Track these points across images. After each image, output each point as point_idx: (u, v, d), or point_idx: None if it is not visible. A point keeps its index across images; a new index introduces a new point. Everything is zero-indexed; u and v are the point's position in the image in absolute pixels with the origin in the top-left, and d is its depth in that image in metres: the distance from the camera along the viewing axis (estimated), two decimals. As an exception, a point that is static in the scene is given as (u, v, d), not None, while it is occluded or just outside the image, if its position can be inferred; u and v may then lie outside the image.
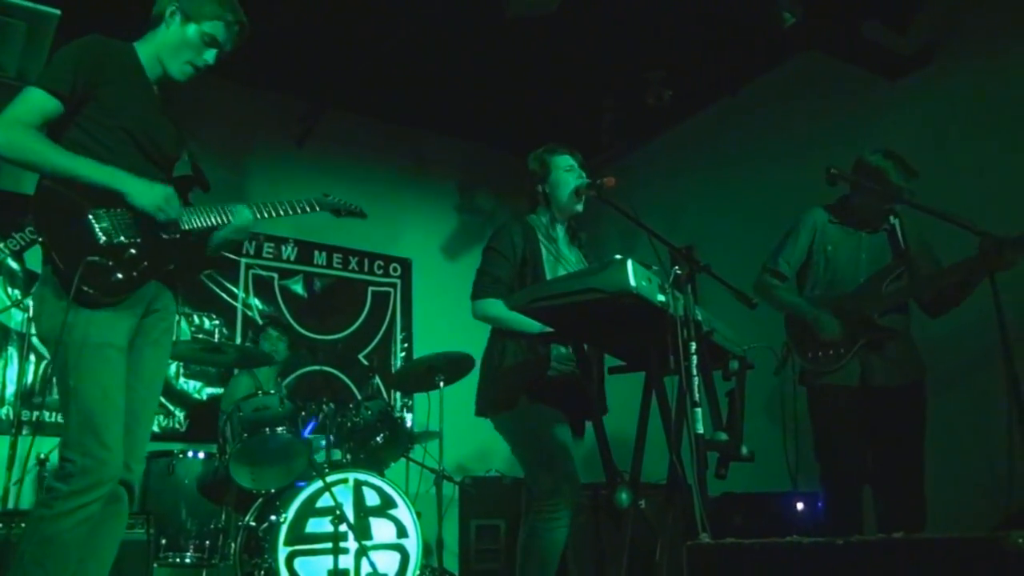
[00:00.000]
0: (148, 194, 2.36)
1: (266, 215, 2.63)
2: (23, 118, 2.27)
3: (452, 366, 4.57)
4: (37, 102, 2.30)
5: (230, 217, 2.55)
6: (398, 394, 6.15)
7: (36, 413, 4.79)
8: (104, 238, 2.29)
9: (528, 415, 3.02)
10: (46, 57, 3.96)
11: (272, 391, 4.28)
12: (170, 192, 2.42)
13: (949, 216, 3.11)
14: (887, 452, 3.45)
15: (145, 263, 2.36)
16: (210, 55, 2.53)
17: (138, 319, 2.41)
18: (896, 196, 3.43)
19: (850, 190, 3.64)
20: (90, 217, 2.29)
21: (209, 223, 2.52)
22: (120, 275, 2.30)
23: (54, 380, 2.33)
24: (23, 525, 2.94)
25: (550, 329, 2.82)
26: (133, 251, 2.33)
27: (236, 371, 5.10)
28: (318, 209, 2.78)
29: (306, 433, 4.24)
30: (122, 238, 2.32)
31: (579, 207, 3.24)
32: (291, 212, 2.66)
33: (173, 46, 2.50)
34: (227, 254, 5.63)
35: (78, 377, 2.23)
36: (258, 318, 5.76)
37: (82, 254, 2.23)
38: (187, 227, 2.48)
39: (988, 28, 4.52)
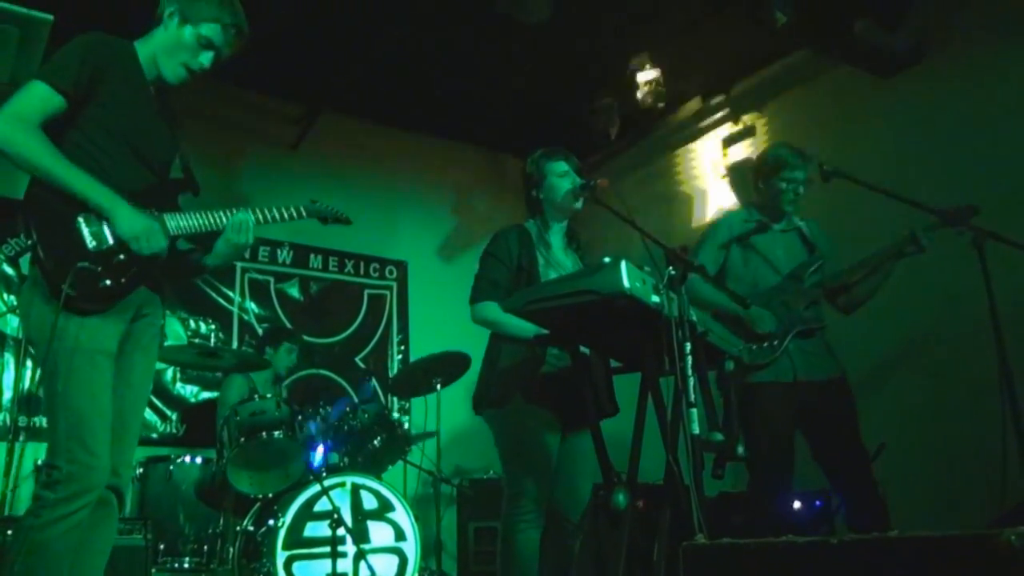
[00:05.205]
0: (131, 224, 2.31)
1: (262, 220, 2.60)
2: (26, 114, 2.23)
3: (448, 366, 4.58)
4: (41, 97, 2.26)
5: (224, 219, 2.50)
6: (395, 396, 6.16)
7: (33, 419, 4.78)
8: (94, 243, 2.27)
9: (516, 414, 3.05)
10: (39, 62, 3.95)
11: (269, 395, 4.28)
12: (155, 228, 2.37)
13: (892, 192, 3.21)
14: (833, 449, 3.41)
15: (134, 269, 2.34)
16: (206, 58, 2.49)
17: (127, 324, 2.40)
18: (823, 174, 3.43)
19: (765, 187, 3.63)
20: (80, 220, 2.27)
21: (197, 227, 2.49)
22: (108, 281, 2.28)
23: (40, 384, 2.31)
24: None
25: (545, 332, 2.83)
26: (122, 256, 2.32)
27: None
28: (305, 216, 2.76)
29: (314, 450, 4.23)
30: (111, 243, 2.30)
31: (577, 205, 3.24)
32: (278, 219, 2.64)
33: (169, 47, 2.47)
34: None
35: (67, 383, 2.20)
36: (255, 322, 5.76)
37: (71, 260, 2.21)
38: (175, 232, 2.45)
39: (978, 27, 4.54)
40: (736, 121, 5.78)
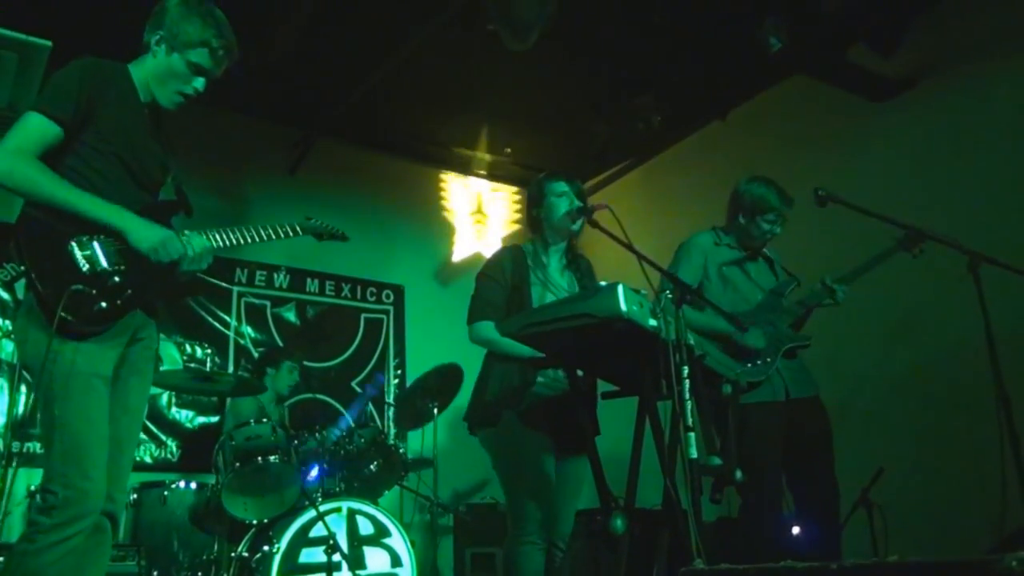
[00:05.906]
0: (148, 235, 2.34)
1: (233, 242, 2.55)
2: (25, 146, 2.25)
3: (443, 381, 4.57)
4: (38, 129, 2.27)
5: (186, 246, 2.45)
6: (391, 421, 6.13)
7: (26, 445, 4.75)
8: (87, 266, 2.26)
9: (510, 435, 3.05)
10: (38, 88, 3.96)
11: (266, 419, 4.26)
12: (171, 235, 2.39)
13: (888, 218, 3.28)
14: (808, 468, 3.40)
15: (129, 291, 2.33)
16: (199, 83, 2.50)
17: (123, 348, 2.39)
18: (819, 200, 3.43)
19: (745, 222, 3.62)
20: (72, 244, 2.26)
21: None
22: (104, 304, 2.27)
23: (37, 409, 2.29)
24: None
25: (541, 354, 2.82)
26: (117, 279, 2.30)
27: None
28: (300, 233, 2.76)
29: (309, 472, 4.20)
30: (105, 266, 2.29)
31: (574, 227, 3.24)
32: (273, 236, 2.64)
33: (160, 76, 2.48)
34: (214, 280, 5.64)
35: (64, 407, 2.19)
36: (251, 346, 5.74)
37: (65, 283, 2.20)
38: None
39: (972, 53, 4.59)
40: (732, 147, 5.81)
